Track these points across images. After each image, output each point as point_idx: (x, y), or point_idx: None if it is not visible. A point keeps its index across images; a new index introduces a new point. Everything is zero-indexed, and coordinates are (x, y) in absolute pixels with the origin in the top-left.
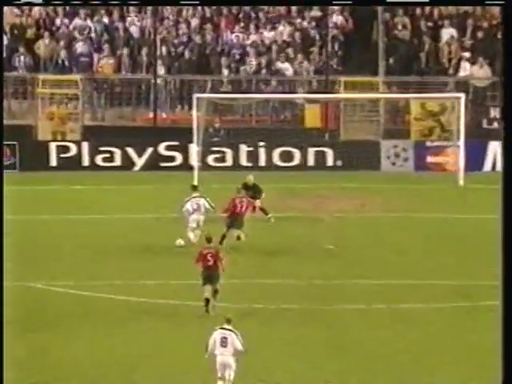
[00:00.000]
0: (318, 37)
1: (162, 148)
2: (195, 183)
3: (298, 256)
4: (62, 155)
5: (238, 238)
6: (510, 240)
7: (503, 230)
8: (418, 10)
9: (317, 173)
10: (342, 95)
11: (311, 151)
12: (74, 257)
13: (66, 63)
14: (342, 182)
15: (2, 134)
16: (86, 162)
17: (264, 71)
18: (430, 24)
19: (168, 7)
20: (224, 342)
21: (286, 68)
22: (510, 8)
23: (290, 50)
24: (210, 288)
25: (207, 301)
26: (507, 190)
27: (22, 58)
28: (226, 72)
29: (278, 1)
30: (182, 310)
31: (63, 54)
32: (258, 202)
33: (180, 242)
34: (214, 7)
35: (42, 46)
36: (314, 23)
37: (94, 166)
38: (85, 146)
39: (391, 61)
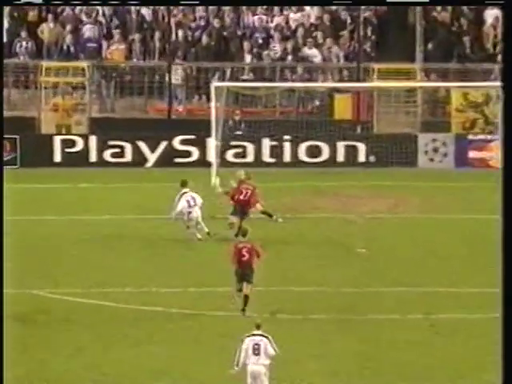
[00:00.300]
0: (348, 19)
1: (176, 142)
2: (213, 180)
3: (325, 261)
4: (67, 150)
5: (231, 225)
6: (510, 241)
7: (503, 231)
8: None
9: (347, 169)
10: (376, 84)
11: (341, 146)
12: (79, 261)
13: (72, 49)
14: (375, 179)
15: (2, 129)
16: (93, 157)
17: (289, 57)
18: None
19: None
20: (256, 350)
21: (314, 54)
22: (510, 8)
23: (318, 34)
24: (246, 285)
25: (240, 291)
26: (507, 190)
27: (24, 43)
28: (247, 58)
29: (279, 1)
30: (199, 320)
31: (69, 38)
32: (258, 206)
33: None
34: None
35: (46, 30)
36: None
37: (102, 161)
38: (92, 140)
39: (430, 46)
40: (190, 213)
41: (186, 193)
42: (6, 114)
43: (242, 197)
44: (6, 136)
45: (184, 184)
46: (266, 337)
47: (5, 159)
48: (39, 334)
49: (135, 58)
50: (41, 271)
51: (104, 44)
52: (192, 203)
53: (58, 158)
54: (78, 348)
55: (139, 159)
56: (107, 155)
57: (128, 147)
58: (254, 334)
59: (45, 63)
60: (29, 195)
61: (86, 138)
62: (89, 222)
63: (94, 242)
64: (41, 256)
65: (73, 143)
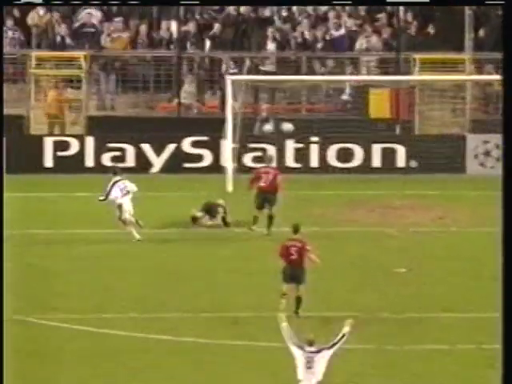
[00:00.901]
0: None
1: (186, 144)
2: (229, 189)
3: (360, 282)
4: (60, 153)
5: (270, 217)
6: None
7: (503, 235)
8: None
9: (384, 176)
10: (418, 77)
11: (377, 148)
12: (75, 282)
13: (67, 37)
14: (417, 187)
15: (2, 128)
16: (90, 162)
17: (318, 46)
18: None
19: None
20: (309, 363)
21: (346, 42)
22: (510, 8)
23: (351, 19)
24: (292, 287)
25: (284, 294)
26: (507, 191)
27: (10, 31)
28: (269, 47)
29: (278, 1)
30: (214, 350)
31: (63, 25)
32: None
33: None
34: None
35: (36, 16)
36: None
37: (100, 167)
38: (89, 141)
39: (481, 33)
40: (120, 205)
41: (118, 181)
42: None
43: (262, 183)
44: None
45: (116, 173)
46: (320, 350)
47: None
48: (28, 367)
49: (140, 47)
50: (30, 294)
51: (104, 30)
52: (125, 192)
53: (49, 162)
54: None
55: (143, 164)
56: (106, 159)
57: (130, 150)
58: (306, 350)
59: (35, 53)
60: (16, 206)
61: (81, 139)
62: (85, 236)
63: (91, 260)
64: (30, 276)
65: (67, 145)
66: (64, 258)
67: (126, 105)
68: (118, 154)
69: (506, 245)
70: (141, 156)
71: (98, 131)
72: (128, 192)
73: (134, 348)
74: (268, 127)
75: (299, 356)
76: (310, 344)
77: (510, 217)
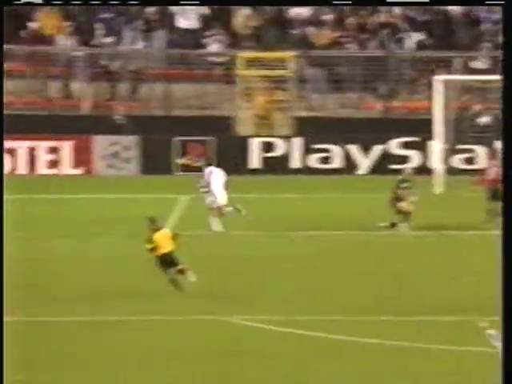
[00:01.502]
0: None
1: (394, 145)
2: (438, 190)
3: None
4: (266, 155)
5: (495, 212)
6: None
7: (503, 238)
8: None
9: None
10: None
11: None
12: (281, 285)
13: (274, 36)
14: None
15: (2, 130)
16: (296, 163)
17: None
18: None
19: None
20: None
21: None
22: (510, 8)
23: None
24: None
25: None
26: (507, 192)
27: (216, 31)
28: (481, 47)
29: (279, 1)
30: (418, 354)
31: (270, 25)
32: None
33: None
34: None
35: (243, 17)
36: None
37: (306, 168)
38: (296, 142)
39: None
40: (207, 193)
41: (207, 171)
42: (196, 113)
43: (489, 178)
44: (195, 138)
45: (209, 164)
46: None
47: (194, 165)
48: (229, 368)
49: (348, 45)
50: (233, 295)
51: (312, 30)
52: (204, 184)
53: (255, 163)
54: None
55: (349, 165)
56: (313, 161)
57: (337, 151)
58: None
59: (242, 54)
60: None
61: (288, 140)
62: (289, 237)
63: (300, 264)
64: (233, 276)
65: (273, 147)
66: (263, 258)
67: (335, 105)
68: (324, 155)
69: (506, 245)
70: (347, 157)
71: (306, 132)
72: (207, 185)
73: (341, 351)
74: (485, 119)
75: None
76: None
77: (510, 218)
